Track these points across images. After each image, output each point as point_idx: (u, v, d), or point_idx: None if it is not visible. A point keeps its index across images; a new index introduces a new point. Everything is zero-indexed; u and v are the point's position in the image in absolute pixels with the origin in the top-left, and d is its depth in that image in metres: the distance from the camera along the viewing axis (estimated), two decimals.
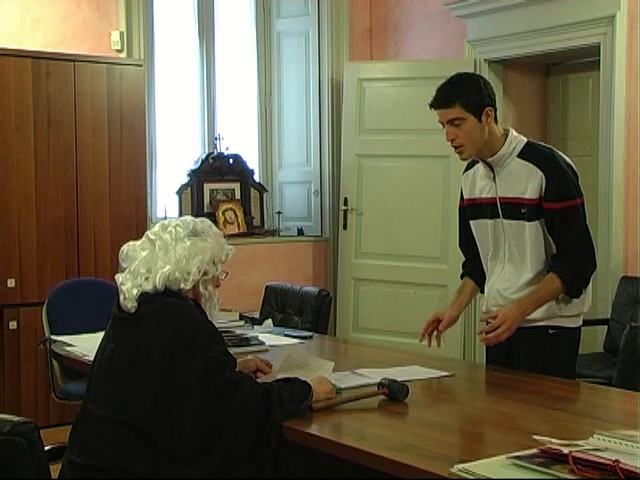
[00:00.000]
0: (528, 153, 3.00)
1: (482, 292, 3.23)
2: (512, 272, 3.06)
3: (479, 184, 3.13)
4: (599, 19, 5.14)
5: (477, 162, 3.15)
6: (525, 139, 3.05)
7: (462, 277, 3.32)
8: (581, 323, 3.08)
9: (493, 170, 3.05)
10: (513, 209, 3.01)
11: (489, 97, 2.98)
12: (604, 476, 1.72)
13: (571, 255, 2.97)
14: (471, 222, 3.19)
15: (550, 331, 3.02)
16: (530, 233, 2.99)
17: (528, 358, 3.04)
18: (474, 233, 3.19)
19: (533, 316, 3.01)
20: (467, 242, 3.26)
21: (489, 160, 3.03)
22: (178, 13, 6.31)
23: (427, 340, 3.17)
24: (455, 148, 3.00)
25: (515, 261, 3.05)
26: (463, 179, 3.24)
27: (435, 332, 3.17)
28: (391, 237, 6.16)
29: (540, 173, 2.94)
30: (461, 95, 2.93)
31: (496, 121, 3.02)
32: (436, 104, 2.98)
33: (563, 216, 2.95)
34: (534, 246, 2.99)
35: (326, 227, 6.59)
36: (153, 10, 6.00)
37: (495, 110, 3.00)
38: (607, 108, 5.15)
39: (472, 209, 3.17)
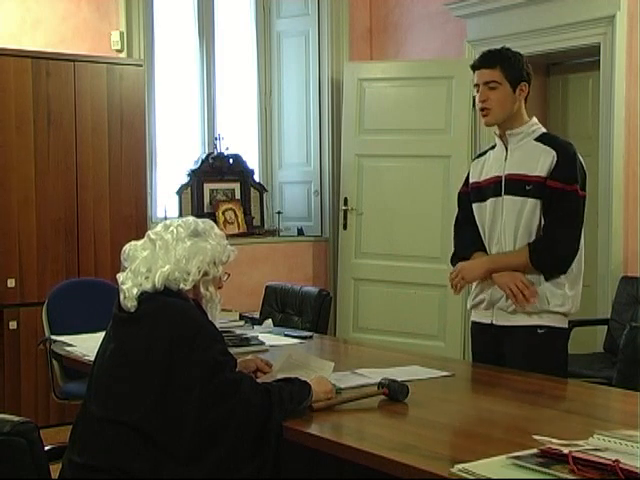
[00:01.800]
0: (546, 138, 3.13)
1: None
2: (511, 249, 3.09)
3: (487, 166, 3.21)
4: (599, 19, 5.14)
5: (490, 150, 3.24)
6: (544, 129, 3.18)
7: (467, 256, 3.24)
8: (567, 325, 3.12)
9: (507, 148, 3.13)
10: (518, 186, 3.06)
11: (527, 75, 3.13)
12: (604, 476, 1.72)
13: (550, 234, 3.02)
14: (473, 205, 3.24)
15: (539, 330, 3.05)
16: (529, 211, 3.04)
17: (517, 358, 3.06)
18: (476, 217, 3.23)
19: (521, 309, 3.03)
20: (467, 224, 3.26)
21: (507, 133, 3.11)
22: (178, 13, 6.31)
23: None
24: (482, 111, 3.12)
25: (511, 237, 3.07)
26: (473, 165, 3.33)
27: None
28: (391, 237, 6.16)
29: (553, 153, 3.04)
30: (504, 61, 3.09)
31: (526, 103, 3.14)
32: (478, 64, 3.13)
33: (559, 198, 3.01)
34: (527, 224, 3.04)
35: (326, 227, 6.59)
36: (153, 10, 6.00)
37: (528, 90, 3.13)
38: (607, 108, 5.15)
39: (476, 192, 3.23)
